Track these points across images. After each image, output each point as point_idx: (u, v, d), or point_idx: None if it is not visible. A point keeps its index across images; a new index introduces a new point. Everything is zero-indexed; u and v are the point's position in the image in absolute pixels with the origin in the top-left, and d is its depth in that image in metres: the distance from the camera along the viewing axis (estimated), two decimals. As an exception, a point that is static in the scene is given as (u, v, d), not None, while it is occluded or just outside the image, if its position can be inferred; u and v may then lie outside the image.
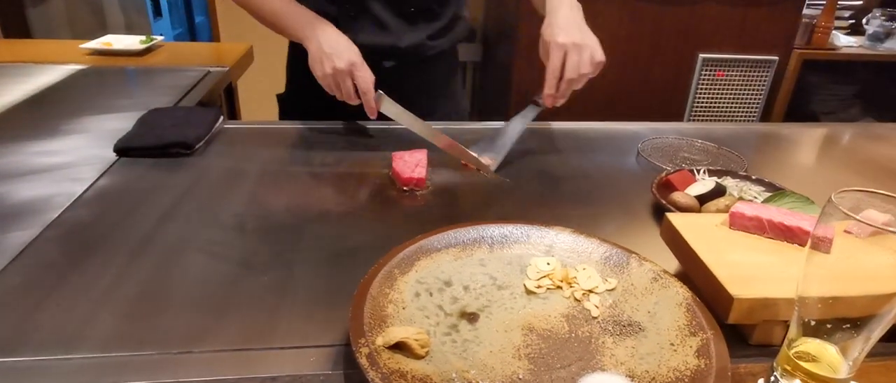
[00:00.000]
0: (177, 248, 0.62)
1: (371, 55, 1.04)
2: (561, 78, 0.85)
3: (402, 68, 1.07)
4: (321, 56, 0.89)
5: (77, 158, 0.84)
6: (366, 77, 0.88)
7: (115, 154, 0.85)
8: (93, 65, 1.42)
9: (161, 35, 1.96)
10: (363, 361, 0.41)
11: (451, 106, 1.17)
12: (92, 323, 0.50)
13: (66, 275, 0.56)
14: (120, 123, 0.95)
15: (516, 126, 0.93)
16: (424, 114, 0.94)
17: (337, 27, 1.01)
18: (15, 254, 0.60)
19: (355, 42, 1.01)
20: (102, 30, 2.27)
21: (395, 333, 0.44)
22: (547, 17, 0.90)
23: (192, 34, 3.22)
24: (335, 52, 0.88)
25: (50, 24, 2.75)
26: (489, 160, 0.88)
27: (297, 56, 1.12)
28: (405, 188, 0.78)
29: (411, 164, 0.80)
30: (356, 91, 0.89)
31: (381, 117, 0.91)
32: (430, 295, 0.52)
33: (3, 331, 0.49)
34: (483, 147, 0.90)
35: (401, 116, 0.90)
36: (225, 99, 1.53)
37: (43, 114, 1.04)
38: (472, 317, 0.51)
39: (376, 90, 0.89)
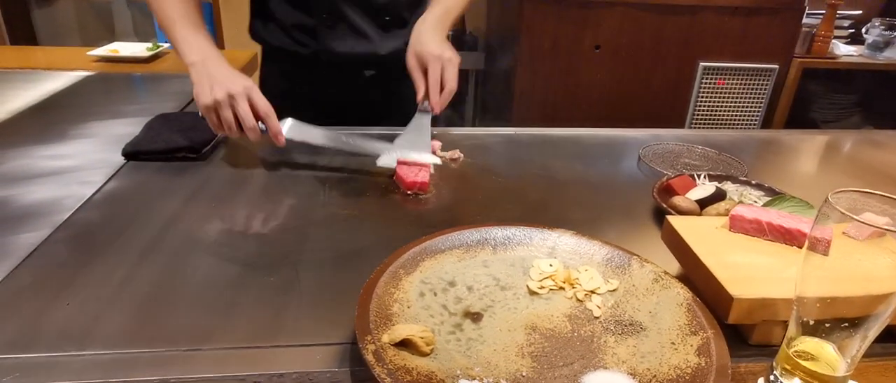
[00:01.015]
0: (184, 249, 0.63)
1: (352, 65, 1.06)
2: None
3: (381, 77, 1.09)
4: (210, 83, 0.80)
5: (86, 162, 0.85)
6: (263, 100, 0.81)
7: (123, 158, 0.86)
8: (100, 71, 1.44)
9: (167, 42, 1.98)
10: (369, 357, 0.42)
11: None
12: (102, 321, 0.51)
13: (75, 275, 0.57)
14: (127, 128, 0.96)
15: (426, 130, 0.91)
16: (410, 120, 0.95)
17: (314, 38, 1.03)
18: (26, 255, 0.60)
19: (336, 52, 1.03)
20: (110, 36, 2.29)
21: (401, 331, 0.45)
22: (420, 19, 0.94)
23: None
24: (227, 79, 0.80)
25: (57, 30, 2.78)
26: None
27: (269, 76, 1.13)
28: (409, 192, 0.79)
29: (414, 169, 0.81)
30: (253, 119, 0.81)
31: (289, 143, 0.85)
32: (435, 295, 0.53)
33: (15, 329, 0.49)
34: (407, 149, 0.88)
35: (315, 136, 0.85)
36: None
37: (52, 119, 1.05)
38: (475, 317, 0.51)
39: (283, 118, 0.83)
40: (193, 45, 0.85)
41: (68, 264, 0.59)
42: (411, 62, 0.91)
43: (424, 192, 0.80)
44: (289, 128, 0.84)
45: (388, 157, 0.83)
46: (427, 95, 0.90)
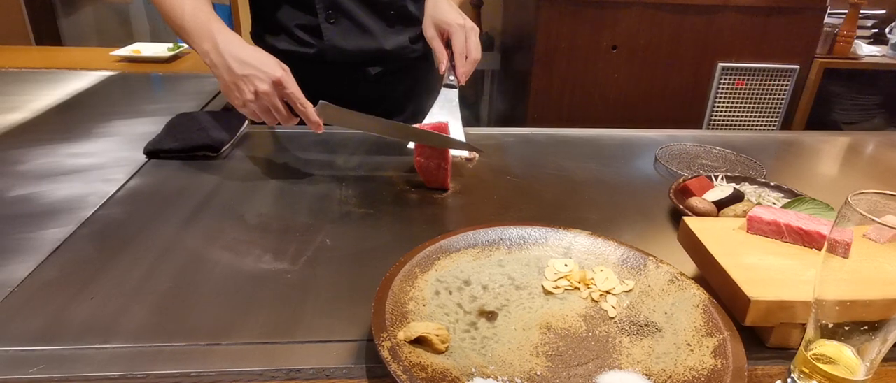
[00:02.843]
0: (204, 246, 0.65)
1: (357, 62, 1.06)
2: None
3: (388, 74, 1.09)
4: (235, 81, 0.75)
5: (109, 160, 0.87)
6: (296, 90, 0.77)
7: (144, 156, 0.88)
8: (122, 71, 1.46)
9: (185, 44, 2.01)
10: (385, 354, 0.43)
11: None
12: (125, 315, 0.52)
13: (99, 270, 0.59)
14: (149, 127, 0.98)
15: (455, 106, 0.90)
16: (416, 117, 0.94)
17: (319, 36, 1.02)
18: (52, 250, 0.62)
19: (342, 49, 1.03)
20: (129, 38, 2.34)
21: (417, 328, 0.45)
22: None
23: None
24: (252, 72, 0.75)
25: (80, 32, 2.84)
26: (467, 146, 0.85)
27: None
28: (430, 187, 0.80)
29: (435, 164, 0.80)
30: (289, 109, 0.79)
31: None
32: (450, 293, 0.53)
33: (41, 322, 0.51)
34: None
35: (353, 121, 0.81)
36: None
37: (75, 117, 1.08)
38: (490, 316, 0.52)
39: (317, 101, 0.79)
40: (200, 28, 0.79)
41: (92, 259, 0.61)
42: (430, 32, 0.90)
43: (445, 190, 0.80)
44: (324, 113, 0.80)
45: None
46: (452, 67, 0.88)
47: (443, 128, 0.78)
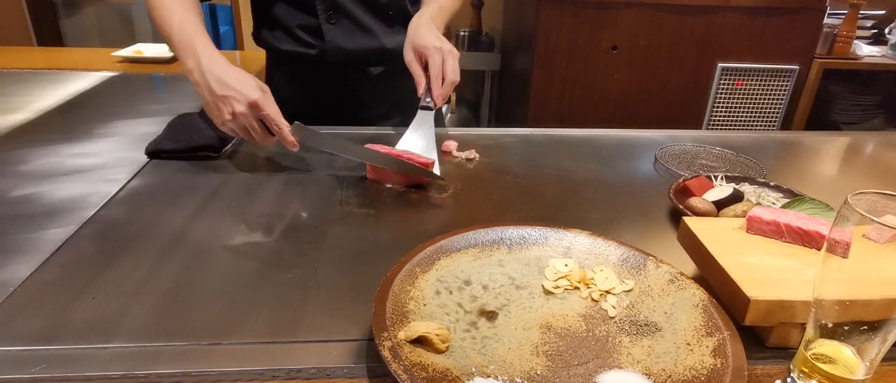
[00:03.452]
0: (205, 246, 0.65)
1: (358, 62, 1.07)
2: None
3: (389, 74, 1.10)
4: (215, 101, 0.78)
5: (110, 160, 0.87)
6: (273, 111, 0.79)
7: (146, 156, 0.88)
8: (123, 72, 1.47)
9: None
10: (386, 354, 0.43)
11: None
12: (126, 315, 0.52)
13: (101, 270, 0.59)
14: (150, 127, 0.99)
15: (430, 128, 0.91)
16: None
17: (320, 37, 1.03)
18: (53, 250, 0.62)
19: (343, 49, 1.03)
20: (131, 39, 2.34)
21: (417, 327, 0.46)
22: (416, 15, 0.94)
23: (217, 43, 3.29)
24: (231, 93, 0.77)
25: (82, 33, 2.84)
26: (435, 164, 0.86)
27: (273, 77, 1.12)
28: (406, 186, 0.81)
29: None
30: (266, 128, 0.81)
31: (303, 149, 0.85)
32: (450, 293, 0.54)
33: (43, 321, 0.51)
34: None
35: (326, 143, 0.84)
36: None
37: (77, 118, 1.08)
38: (490, 316, 0.52)
39: (292, 122, 0.81)
40: (185, 45, 0.81)
41: (94, 259, 0.61)
42: (409, 56, 0.91)
43: (423, 183, 0.81)
44: (297, 131, 0.82)
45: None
46: (428, 89, 0.90)
47: (428, 165, 0.82)
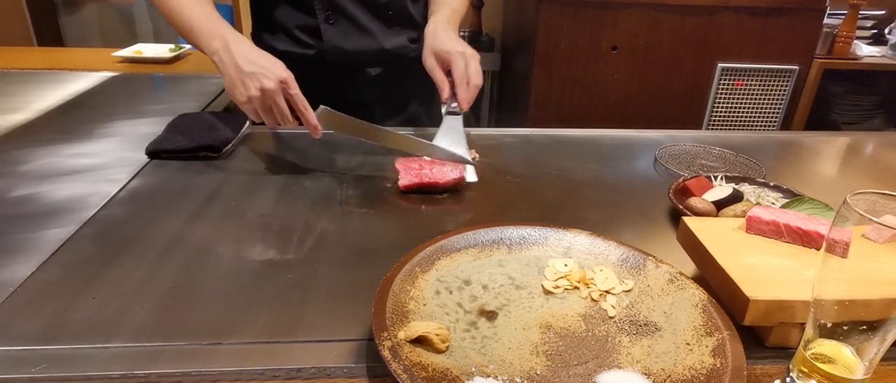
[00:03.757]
0: (205, 246, 0.65)
1: (357, 62, 1.07)
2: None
3: (388, 74, 1.10)
4: (241, 77, 0.78)
5: (110, 160, 0.87)
6: (299, 93, 0.80)
7: (146, 156, 0.88)
8: (124, 72, 1.47)
9: (188, 44, 2.02)
10: (386, 353, 0.43)
11: (436, 109, 1.20)
12: (126, 314, 0.52)
13: (101, 270, 0.59)
14: (150, 127, 0.99)
15: (461, 132, 0.91)
16: (419, 118, 0.95)
17: (318, 37, 1.03)
18: (54, 250, 0.62)
19: (342, 50, 1.03)
20: (133, 39, 2.34)
21: (417, 327, 0.46)
22: (431, 20, 0.94)
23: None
24: (259, 70, 0.77)
25: (83, 33, 2.84)
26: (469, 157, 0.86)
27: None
28: (446, 191, 0.80)
29: (448, 168, 0.82)
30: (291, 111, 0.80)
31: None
32: (450, 293, 0.54)
33: (43, 321, 0.51)
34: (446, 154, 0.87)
35: (352, 128, 0.83)
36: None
37: (77, 118, 1.08)
38: (490, 315, 0.52)
39: (317, 103, 0.81)
40: (211, 29, 0.82)
41: (94, 259, 0.61)
42: (430, 62, 0.91)
43: (461, 184, 0.81)
44: (324, 119, 0.82)
45: (436, 153, 0.84)
46: (453, 94, 0.89)
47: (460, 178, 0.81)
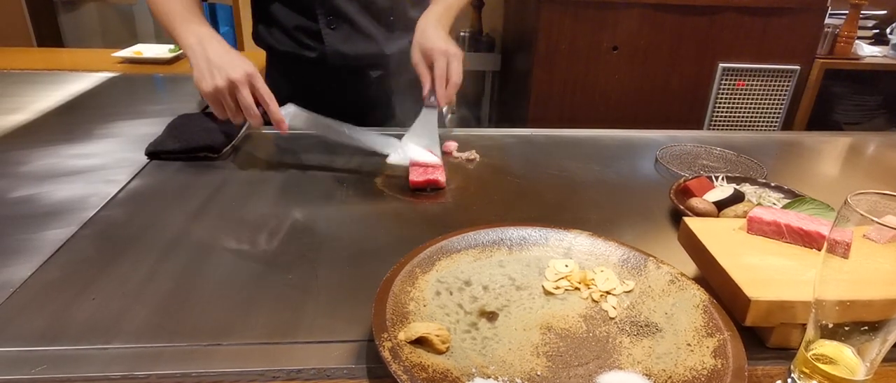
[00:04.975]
0: (205, 247, 0.65)
1: (358, 67, 1.07)
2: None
3: (388, 78, 1.10)
4: (209, 68, 0.80)
5: (110, 161, 0.87)
6: (265, 88, 0.82)
7: (146, 157, 0.88)
8: (123, 72, 1.47)
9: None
10: (386, 354, 0.43)
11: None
12: (126, 315, 0.52)
13: (101, 271, 0.59)
14: (150, 128, 0.99)
15: (433, 126, 0.92)
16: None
17: (320, 41, 1.03)
18: (53, 251, 0.62)
19: (342, 53, 1.03)
20: (133, 39, 2.35)
21: (417, 328, 0.46)
22: (423, 16, 0.95)
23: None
24: (226, 62, 0.80)
25: (83, 33, 2.84)
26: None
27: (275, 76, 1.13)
28: (417, 189, 0.81)
29: (423, 168, 0.83)
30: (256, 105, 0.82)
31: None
32: (451, 294, 0.54)
33: (43, 322, 0.51)
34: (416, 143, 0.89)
35: (316, 125, 0.85)
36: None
37: (77, 119, 1.08)
38: (491, 316, 0.52)
39: (318, 104, 0.83)
40: (190, 29, 0.84)
41: (94, 260, 0.61)
42: (416, 57, 0.92)
43: (440, 187, 0.81)
44: (292, 116, 0.84)
45: (397, 155, 0.85)
46: (433, 90, 0.91)
47: (436, 169, 0.83)
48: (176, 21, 0.86)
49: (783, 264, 0.54)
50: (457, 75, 0.90)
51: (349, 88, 1.09)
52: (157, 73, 1.52)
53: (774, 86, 2.26)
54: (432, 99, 0.92)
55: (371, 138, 0.87)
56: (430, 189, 0.81)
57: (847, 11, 2.29)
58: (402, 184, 0.83)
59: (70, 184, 0.79)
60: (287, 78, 1.10)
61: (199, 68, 0.81)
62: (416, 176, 0.81)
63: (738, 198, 0.75)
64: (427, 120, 0.91)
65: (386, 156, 0.85)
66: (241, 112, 0.82)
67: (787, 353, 0.49)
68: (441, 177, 0.82)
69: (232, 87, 0.79)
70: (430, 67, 0.91)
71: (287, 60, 1.08)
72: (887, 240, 0.38)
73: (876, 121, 2.56)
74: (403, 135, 0.89)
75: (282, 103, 0.84)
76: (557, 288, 0.56)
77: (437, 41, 0.90)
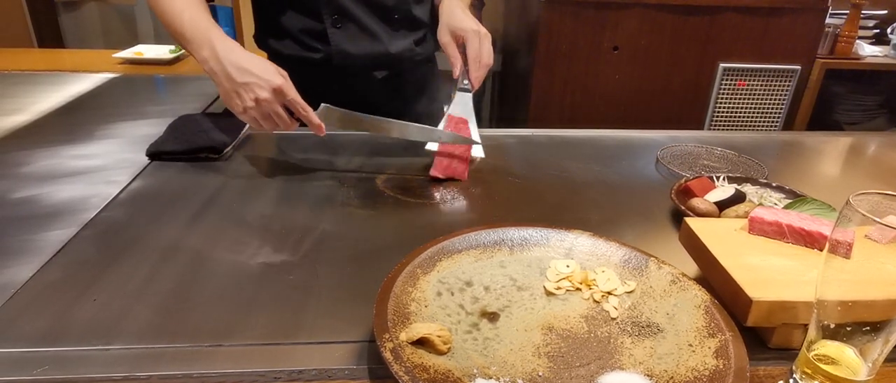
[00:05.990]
0: (206, 248, 0.65)
1: (363, 65, 1.07)
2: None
3: (393, 77, 1.10)
4: (235, 88, 0.76)
5: (111, 162, 0.87)
6: (297, 96, 0.79)
7: (147, 158, 0.88)
8: (124, 73, 1.47)
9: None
10: (387, 355, 0.43)
11: (438, 109, 1.21)
12: (127, 316, 0.52)
13: (102, 272, 0.59)
14: (151, 129, 0.99)
15: (470, 109, 0.91)
16: (421, 119, 0.95)
17: (325, 41, 1.02)
18: (55, 252, 0.62)
19: (347, 53, 1.03)
20: (134, 40, 2.35)
21: (419, 329, 0.46)
22: (447, 1, 0.94)
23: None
24: (252, 80, 0.76)
25: (83, 34, 2.84)
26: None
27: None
28: (443, 177, 0.83)
29: (448, 160, 0.84)
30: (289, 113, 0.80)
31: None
32: (452, 294, 0.54)
33: (45, 323, 0.51)
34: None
35: (356, 123, 0.83)
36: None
37: (78, 120, 1.08)
38: (492, 317, 0.52)
39: (315, 108, 0.81)
40: (199, 37, 0.80)
41: (95, 261, 0.61)
42: (445, 38, 0.91)
43: (462, 179, 0.83)
44: (324, 114, 0.82)
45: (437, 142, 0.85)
46: (466, 71, 0.90)
47: (462, 125, 0.83)
48: (185, 30, 0.81)
49: (785, 264, 0.54)
50: (488, 56, 0.89)
51: (353, 90, 1.09)
52: (157, 73, 1.53)
53: (775, 86, 2.26)
54: (465, 81, 0.91)
55: (407, 128, 0.85)
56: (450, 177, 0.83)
57: (848, 11, 2.29)
58: (402, 184, 0.83)
59: (71, 184, 0.79)
60: (291, 80, 1.11)
61: (223, 88, 0.78)
62: (438, 170, 0.81)
63: (739, 198, 0.75)
64: (462, 102, 0.90)
65: (421, 142, 0.85)
66: (277, 124, 0.80)
67: (788, 354, 0.49)
68: (464, 171, 0.82)
69: (262, 106, 0.77)
70: (460, 48, 0.90)
71: (291, 64, 1.08)
72: (889, 240, 0.38)
73: (877, 121, 2.55)
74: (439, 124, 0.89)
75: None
76: (559, 288, 0.56)
77: (467, 21, 0.89)
